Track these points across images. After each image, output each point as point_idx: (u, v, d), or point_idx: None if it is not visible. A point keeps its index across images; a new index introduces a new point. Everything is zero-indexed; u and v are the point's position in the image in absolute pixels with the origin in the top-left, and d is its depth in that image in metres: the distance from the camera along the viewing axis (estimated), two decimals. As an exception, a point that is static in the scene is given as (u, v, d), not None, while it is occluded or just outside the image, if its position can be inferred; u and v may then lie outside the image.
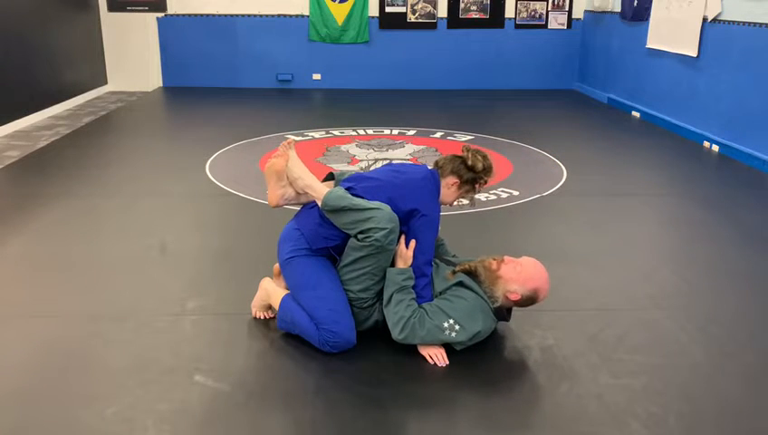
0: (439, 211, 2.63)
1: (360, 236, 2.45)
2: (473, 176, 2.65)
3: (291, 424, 2.16)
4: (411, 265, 2.53)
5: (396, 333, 2.46)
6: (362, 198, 2.52)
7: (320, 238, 2.58)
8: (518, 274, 2.51)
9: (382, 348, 2.55)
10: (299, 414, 2.20)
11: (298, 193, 2.67)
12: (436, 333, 2.45)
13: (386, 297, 2.51)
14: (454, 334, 2.45)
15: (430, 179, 2.64)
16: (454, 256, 2.87)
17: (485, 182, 2.70)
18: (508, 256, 2.58)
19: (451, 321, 2.44)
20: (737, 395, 2.33)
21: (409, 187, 2.58)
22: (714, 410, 2.25)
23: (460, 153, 2.69)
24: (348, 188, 2.58)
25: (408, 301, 2.48)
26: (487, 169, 2.66)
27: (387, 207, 2.45)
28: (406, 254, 2.53)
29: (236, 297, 2.95)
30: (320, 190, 2.57)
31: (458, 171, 2.65)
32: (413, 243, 2.53)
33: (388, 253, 2.47)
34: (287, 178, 2.65)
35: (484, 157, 2.66)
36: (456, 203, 2.78)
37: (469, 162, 2.63)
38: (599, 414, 2.20)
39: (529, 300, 2.54)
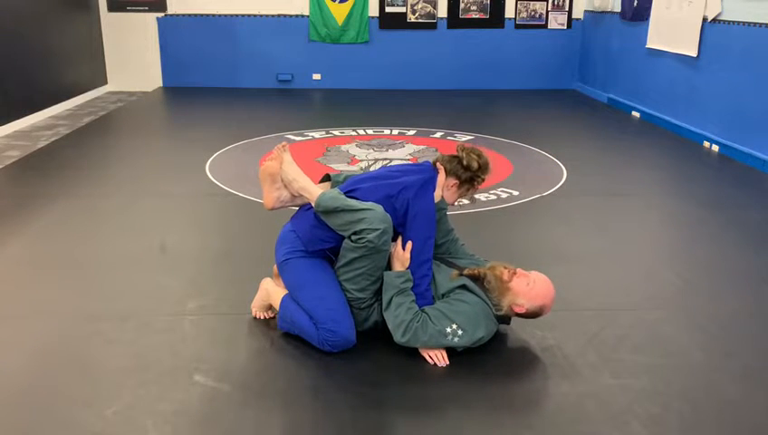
0: (435, 211, 2.62)
1: (353, 238, 2.45)
2: (470, 175, 2.65)
3: (291, 424, 2.16)
4: (409, 267, 2.53)
5: (398, 337, 2.46)
6: (357, 199, 2.53)
7: (316, 240, 2.58)
8: (529, 289, 2.50)
9: (382, 349, 2.55)
10: (299, 414, 2.20)
11: (293, 195, 2.68)
12: (439, 337, 2.44)
13: (385, 301, 2.50)
14: (456, 339, 2.44)
15: (427, 179, 2.63)
16: (472, 254, 2.85)
17: (483, 180, 2.70)
18: (520, 269, 2.56)
19: (454, 326, 2.44)
20: (737, 395, 2.33)
21: (405, 186, 2.58)
22: (714, 410, 2.25)
23: (455, 153, 2.69)
24: (350, 191, 2.58)
25: (408, 304, 2.47)
26: (483, 168, 2.66)
27: (379, 208, 2.45)
28: (403, 256, 2.53)
29: (236, 297, 2.95)
30: (314, 192, 2.58)
31: (456, 172, 2.65)
32: (409, 244, 2.53)
33: (382, 253, 2.47)
34: (282, 180, 2.67)
35: (479, 155, 2.66)
36: (457, 203, 2.79)
37: (464, 162, 2.63)
38: (599, 414, 2.20)
39: (532, 314, 2.55)
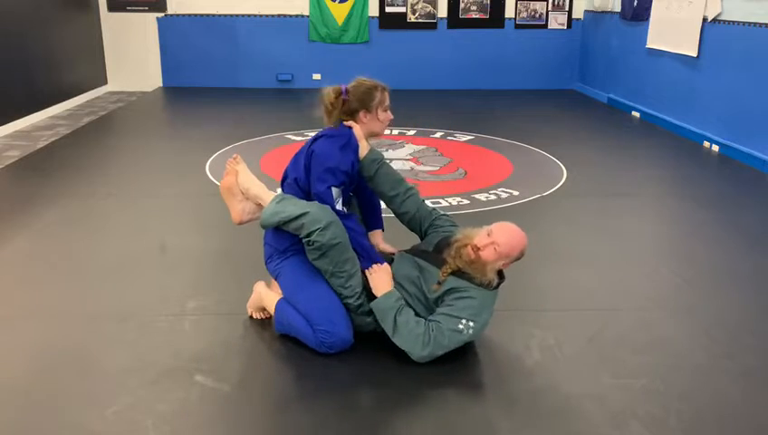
0: (336, 158, 2.57)
1: (305, 241, 2.47)
2: (366, 92, 2.64)
3: (290, 425, 2.16)
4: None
5: (417, 352, 2.40)
6: (287, 175, 2.64)
7: (282, 239, 2.60)
8: (500, 253, 2.44)
9: (382, 349, 2.54)
10: (298, 415, 2.20)
11: (257, 205, 2.69)
12: (456, 336, 2.41)
13: (389, 327, 2.44)
14: (471, 332, 2.43)
15: (332, 130, 2.65)
16: (452, 224, 2.77)
17: (384, 88, 2.69)
18: (477, 238, 2.47)
19: (464, 320, 2.41)
20: (737, 395, 2.33)
21: (313, 138, 2.64)
22: (714, 410, 2.25)
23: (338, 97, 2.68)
24: (286, 178, 2.67)
25: (413, 318, 2.44)
26: (367, 86, 2.65)
27: (314, 206, 2.47)
28: (384, 278, 2.51)
29: (236, 297, 2.95)
30: (266, 199, 2.62)
31: (356, 105, 2.64)
32: (386, 266, 2.56)
33: (336, 247, 2.44)
34: (241, 192, 2.70)
35: (360, 82, 2.67)
36: (387, 123, 2.74)
37: (357, 94, 2.64)
38: (599, 414, 2.20)
39: (516, 260, 2.54)
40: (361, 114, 2.66)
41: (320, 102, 2.69)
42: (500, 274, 2.55)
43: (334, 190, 2.54)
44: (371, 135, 2.72)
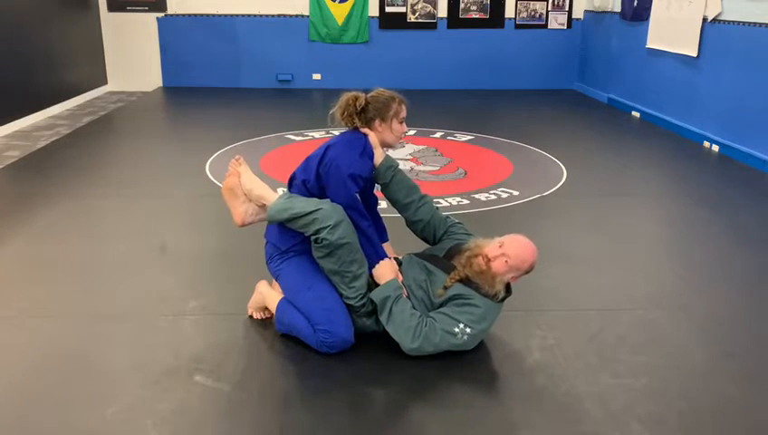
0: (357, 165, 2.58)
1: (312, 238, 2.47)
2: (384, 103, 2.67)
3: (290, 425, 2.16)
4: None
5: (407, 343, 2.42)
6: (295, 176, 2.62)
7: (286, 238, 2.60)
8: (510, 266, 2.47)
9: (382, 348, 2.55)
10: (299, 415, 2.20)
11: (259, 206, 2.69)
12: (449, 337, 2.42)
13: (385, 315, 2.46)
14: (466, 337, 2.43)
15: (349, 136, 2.65)
16: (466, 232, 2.77)
17: (402, 101, 2.72)
18: (488, 248, 2.49)
19: (461, 325, 2.42)
20: (737, 395, 2.33)
21: (329, 145, 2.62)
22: (714, 410, 2.25)
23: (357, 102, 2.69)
24: (293, 179, 2.66)
25: (409, 310, 2.45)
26: (385, 96, 2.68)
27: (327, 204, 2.46)
28: (391, 268, 2.52)
29: (236, 297, 2.95)
30: (270, 198, 2.61)
31: (372, 115, 2.66)
32: (388, 261, 2.55)
33: (344, 247, 2.44)
34: (244, 193, 2.69)
35: (379, 93, 2.70)
36: (401, 135, 2.75)
37: (373, 104, 2.67)
38: (599, 414, 2.20)
39: (525, 274, 2.56)
40: (376, 123, 2.67)
41: (338, 106, 2.69)
42: (507, 287, 2.56)
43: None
44: (384, 145, 2.72)
